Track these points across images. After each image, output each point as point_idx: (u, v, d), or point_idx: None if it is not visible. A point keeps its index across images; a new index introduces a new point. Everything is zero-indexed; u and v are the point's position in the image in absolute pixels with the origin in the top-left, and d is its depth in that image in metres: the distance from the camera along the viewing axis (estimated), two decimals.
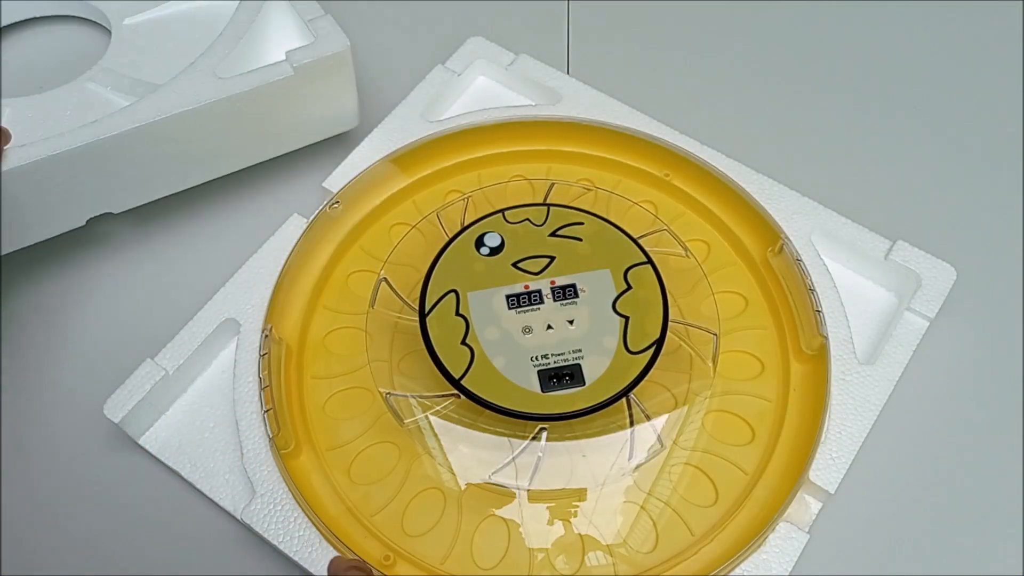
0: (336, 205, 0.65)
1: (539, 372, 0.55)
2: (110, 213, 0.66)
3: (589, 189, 0.66)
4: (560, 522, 0.56)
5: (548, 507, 0.57)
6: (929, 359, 0.62)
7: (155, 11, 0.75)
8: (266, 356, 0.59)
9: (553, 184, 0.67)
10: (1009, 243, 0.69)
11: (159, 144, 0.63)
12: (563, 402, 0.54)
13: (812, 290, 0.61)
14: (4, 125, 0.60)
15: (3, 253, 0.63)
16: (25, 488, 0.60)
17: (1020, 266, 0.68)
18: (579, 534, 0.56)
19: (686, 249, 0.63)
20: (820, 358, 0.60)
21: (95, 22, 0.79)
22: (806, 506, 0.57)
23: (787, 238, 0.63)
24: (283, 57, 0.65)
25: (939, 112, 0.76)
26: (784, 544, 0.55)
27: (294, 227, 0.66)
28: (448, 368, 0.55)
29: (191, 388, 0.63)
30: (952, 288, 0.63)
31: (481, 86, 0.76)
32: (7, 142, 0.58)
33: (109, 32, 0.75)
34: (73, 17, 0.80)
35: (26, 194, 0.61)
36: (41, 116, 0.67)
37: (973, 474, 0.60)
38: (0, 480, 0.60)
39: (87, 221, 0.65)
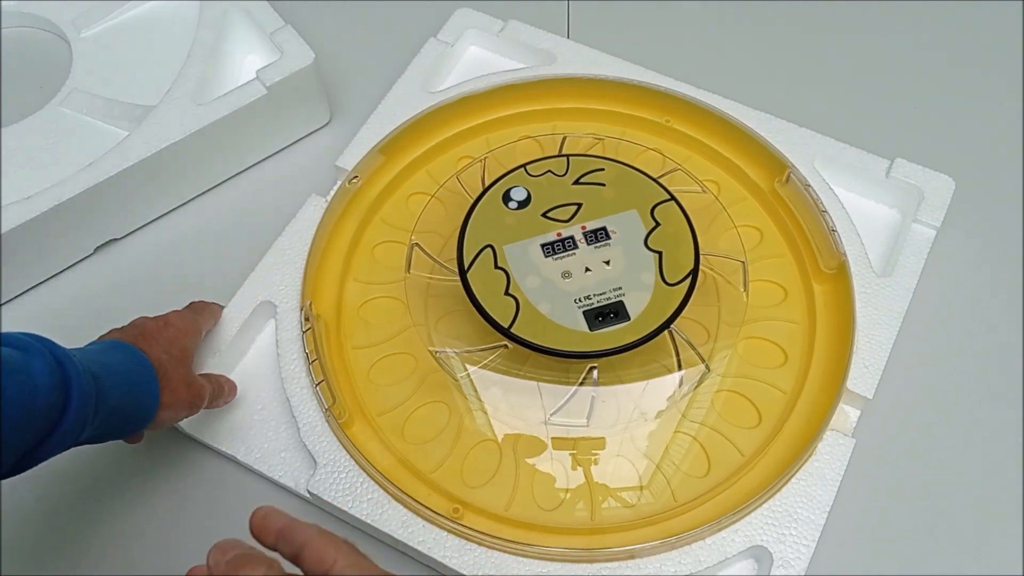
0: (355, 180, 0.66)
1: (584, 312, 0.56)
2: (115, 239, 0.69)
3: (600, 139, 0.68)
4: (617, 459, 0.58)
5: (604, 443, 0.58)
6: (941, 265, 0.66)
7: (109, 20, 0.76)
8: (310, 331, 0.60)
9: (565, 137, 0.68)
10: (1002, 150, 0.72)
11: (151, 175, 0.67)
12: (613, 338, 0.56)
13: (824, 212, 0.64)
14: None
15: (17, 293, 0.67)
16: (74, 486, 0.61)
17: (1018, 171, 0.71)
18: (636, 469, 0.58)
19: (702, 185, 0.65)
20: (840, 276, 0.62)
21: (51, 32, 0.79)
22: (847, 414, 0.59)
23: (793, 166, 0.66)
24: (251, 71, 0.69)
25: (929, 29, 0.79)
26: (833, 451, 0.57)
27: (314, 207, 0.67)
28: (496, 319, 0.56)
29: (232, 374, 0.63)
30: (952, 198, 0.66)
31: (474, 55, 0.77)
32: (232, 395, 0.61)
33: (67, 42, 0.75)
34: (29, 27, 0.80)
35: (34, 241, 0.64)
36: (24, 147, 0.68)
37: (998, 366, 0.63)
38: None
39: (94, 249, 0.69)
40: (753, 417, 0.60)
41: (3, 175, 0.66)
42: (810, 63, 0.78)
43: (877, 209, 0.68)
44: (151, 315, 0.58)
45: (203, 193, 0.72)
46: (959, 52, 0.78)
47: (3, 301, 0.67)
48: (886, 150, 0.68)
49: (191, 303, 0.62)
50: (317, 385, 0.58)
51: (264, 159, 0.73)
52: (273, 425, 0.61)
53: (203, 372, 0.60)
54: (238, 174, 0.73)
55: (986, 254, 0.67)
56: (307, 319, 0.61)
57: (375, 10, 0.82)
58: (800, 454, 0.56)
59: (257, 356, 0.64)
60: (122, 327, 0.56)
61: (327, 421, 0.58)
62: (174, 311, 0.59)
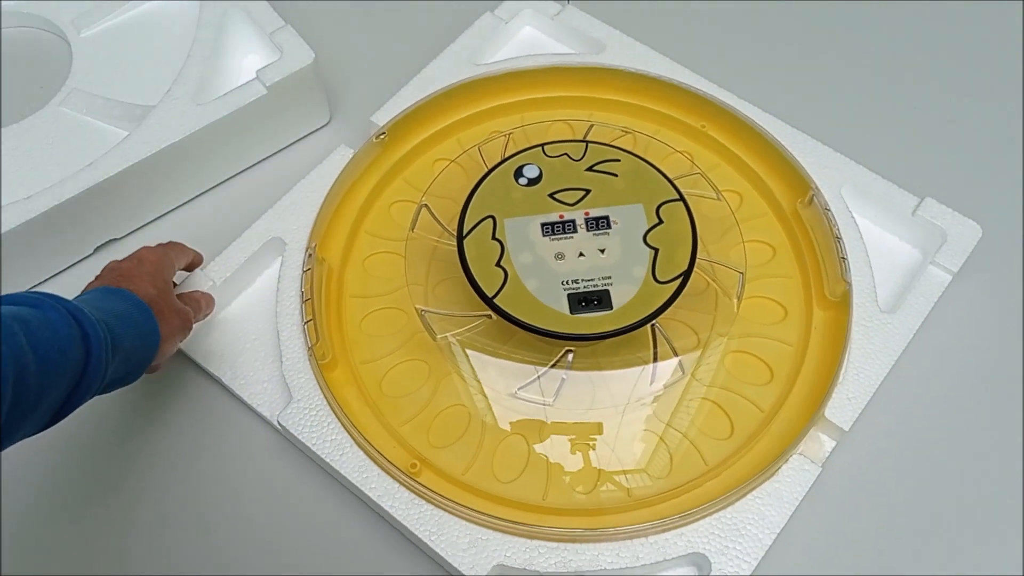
0: (382, 136, 0.68)
1: (569, 295, 0.57)
2: (114, 239, 0.70)
3: (629, 132, 0.69)
4: (578, 444, 0.59)
5: (568, 428, 0.59)
6: (950, 312, 0.64)
7: (109, 20, 0.77)
8: (309, 272, 0.62)
9: (592, 125, 0.69)
10: None
11: (151, 175, 0.68)
12: (590, 324, 0.56)
13: (839, 238, 0.63)
14: None
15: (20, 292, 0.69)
16: None
17: None
18: (596, 456, 0.58)
19: (718, 193, 0.65)
20: (843, 305, 0.61)
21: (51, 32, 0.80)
22: (820, 442, 0.59)
23: (817, 189, 0.65)
24: (251, 71, 0.70)
25: (975, 74, 0.77)
26: (796, 475, 0.57)
27: (341, 156, 0.69)
28: (482, 287, 0.57)
29: (235, 302, 0.66)
30: (977, 245, 0.64)
31: (527, 35, 0.78)
32: (210, 308, 0.63)
33: (67, 42, 0.76)
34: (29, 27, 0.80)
35: (34, 241, 0.65)
36: (25, 146, 0.70)
37: (985, 421, 0.61)
38: None
39: (94, 249, 0.70)
40: (726, 429, 0.60)
41: (3, 175, 0.67)
42: (858, 90, 0.76)
43: (898, 245, 0.67)
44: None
45: (203, 193, 0.72)
46: (1012, 104, 0.76)
47: None
48: (919, 187, 0.66)
49: (168, 242, 0.63)
50: (305, 323, 0.60)
51: (264, 159, 0.74)
52: (261, 356, 0.63)
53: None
54: (238, 174, 0.73)
55: (998, 310, 0.65)
56: (309, 261, 0.63)
57: (375, 10, 0.82)
58: (762, 470, 0.56)
59: (261, 289, 0.66)
60: (98, 276, 0.57)
61: (308, 359, 0.60)
62: (144, 247, 0.60)
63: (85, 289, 0.56)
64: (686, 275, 0.58)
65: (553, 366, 0.59)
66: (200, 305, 0.62)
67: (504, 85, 0.72)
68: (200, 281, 0.63)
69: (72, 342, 0.47)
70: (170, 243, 0.62)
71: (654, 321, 0.57)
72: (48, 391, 0.45)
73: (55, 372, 0.46)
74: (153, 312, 0.54)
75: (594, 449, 0.59)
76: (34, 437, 0.47)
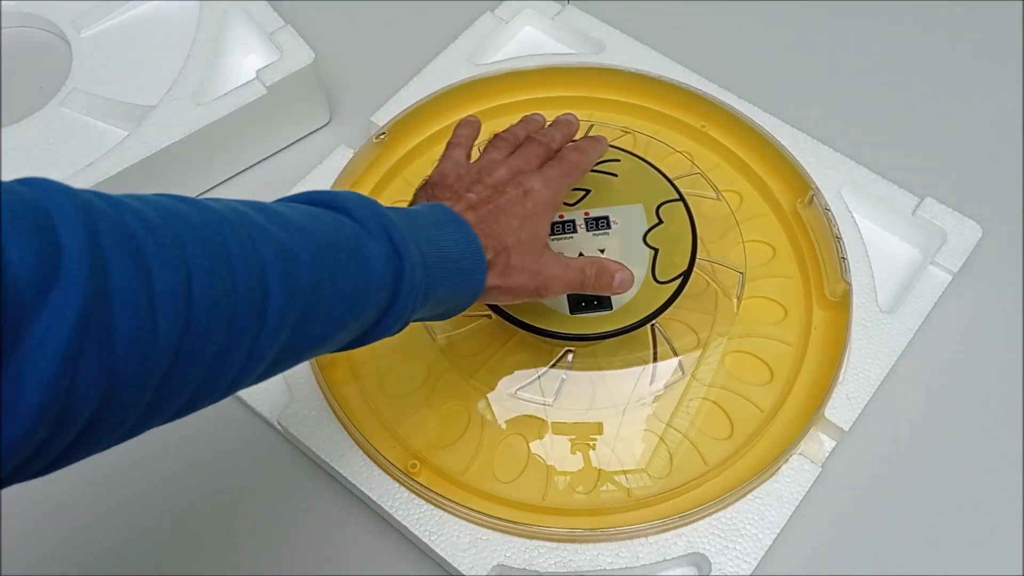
0: (382, 136, 0.68)
1: (569, 295, 0.57)
2: None
3: (629, 132, 0.69)
4: (578, 444, 0.59)
5: (568, 428, 0.59)
6: (950, 312, 0.64)
7: (109, 20, 0.77)
8: None
9: (592, 125, 0.69)
10: None
11: (151, 175, 0.67)
12: (590, 324, 0.56)
13: (839, 238, 0.63)
14: None
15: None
16: None
17: None
18: (596, 456, 0.58)
19: (718, 193, 0.65)
20: (843, 305, 0.61)
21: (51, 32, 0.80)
22: (820, 442, 0.59)
23: (817, 189, 0.65)
24: (251, 71, 0.70)
25: (975, 74, 0.77)
26: (796, 475, 0.57)
27: (341, 156, 0.69)
28: None
29: None
30: (977, 245, 0.64)
31: (527, 35, 0.78)
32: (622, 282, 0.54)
33: (67, 42, 0.76)
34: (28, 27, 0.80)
35: None
36: (25, 146, 0.70)
37: (985, 421, 0.61)
38: None
39: None
40: (726, 429, 0.60)
41: (3, 175, 0.66)
42: (858, 90, 0.76)
43: (899, 246, 0.67)
44: None
45: (203, 193, 0.72)
46: (1012, 104, 0.76)
47: None
48: (919, 187, 0.66)
49: (579, 142, 0.56)
50: None
51: (264, 159, 0.74)
52: None
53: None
54: (238, 174, 0.73)
55: (998, 310, 0.65)
56: None
57: (375, 10, 0.82)
58: (762, 470, 0.56)
59: None
60: (439, 187, 0.52)
61: (310, 361, 0.60)
62: (546, 166, 0.53)
63: (432, 193, 0.52)
64: (686, 275, 0.58)
65: (553, 366, 0.59)
66: (605, 272, 0.53)
67: (504, 85, 0.72)
68: None
69: (381, 284, 0.41)
70: (588, 147, 0.56)
71: (654, 321, 0.57)
72: (335, 334, 0.40)
73: (347, 317, 0.40)
74: (493, 266, 0.47)
75: (594, 449, 0.59)
76: None
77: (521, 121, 0.59)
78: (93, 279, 0.29)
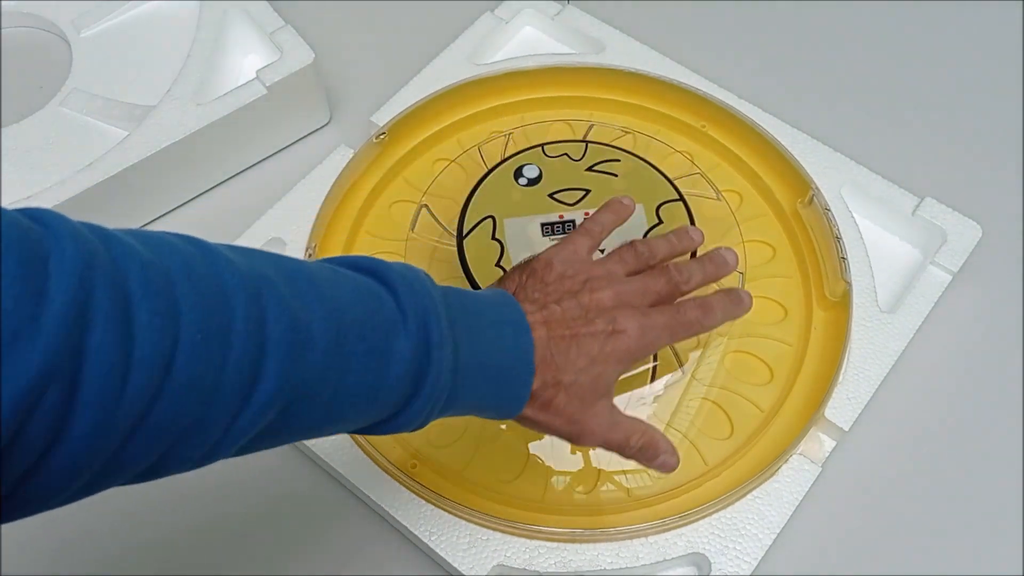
0: (382, 136, 0.68)
1: None
2: None
3: (629, 132, 0.69)
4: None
5: None
6: (950, 312, 0.64)
7: (109, 20, 0.77)
8: None
9: (592, 125, 0.69)
10: None
11: (151, 175, 0.67)
12: None
13: (839, 238, 0.63)
14: None
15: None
16: None
17: None
18: (596, 456, 0.58)
19: (718, 193, 0.65)
20: (843, 305, 0.61)
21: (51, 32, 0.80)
22: (820, 442, 0.59)
23: (817, 189, 0.65)
24: (251, 71, 0.70)
25: (975, 74, 0.77)
26: (796, 475, 0.57)
27: (341, 156, 0.69)
28: (481, 287, 0.57)
29: None
30: (977, 245, 0.64)
31: (527, 35, 0.78)
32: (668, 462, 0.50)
33: (67, 42, 0.76)
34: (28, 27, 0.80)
35: None
36: (25, 146, 0.70)
37: (986, 421, 0.61)
38: None
39: None
40: (726, 429, 0.60)
41: (3, 175, 0.67)
42: (858, 90, 0.76)
43: (899, 246, 0.67)
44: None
45: (203, 193, 0.72)
46: (1012, 104, 0.76)
47: None
48: (919, 187, 0.66)
49: (710, 299, 0.49)
50: None
51: (264, 159, 0.74)
52: None
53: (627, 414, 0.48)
54: (238, 174, 0.73)
55: (998, 310, 0.65)
56: (309, 260, 0.63)
57: (375, 10, 0.82)
58: (762, 470, 0.56)
59: None
60: (536, 277, 0.47)
61: None
62: (656, 310, 0.47)
63: (512, 283, 0.47)
64: None
65: None
66: (654, 445, 0.48)
67: (504, 85, 0.72)
68: None
69: (397, 382, 0.38)
70: (730, 302, 0.50)
71: None
72: (320, 428, 0.38)
73: (338, 414, 0.38)
74: (535, 402, 0.43)
75: (594, 449, 0.59)
76: None
77: (673, 233, 0.53)
78: (69, 338, 0.28)
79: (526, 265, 0.48)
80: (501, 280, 0.49)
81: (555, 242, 0.58)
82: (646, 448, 0.48)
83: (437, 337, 0.39)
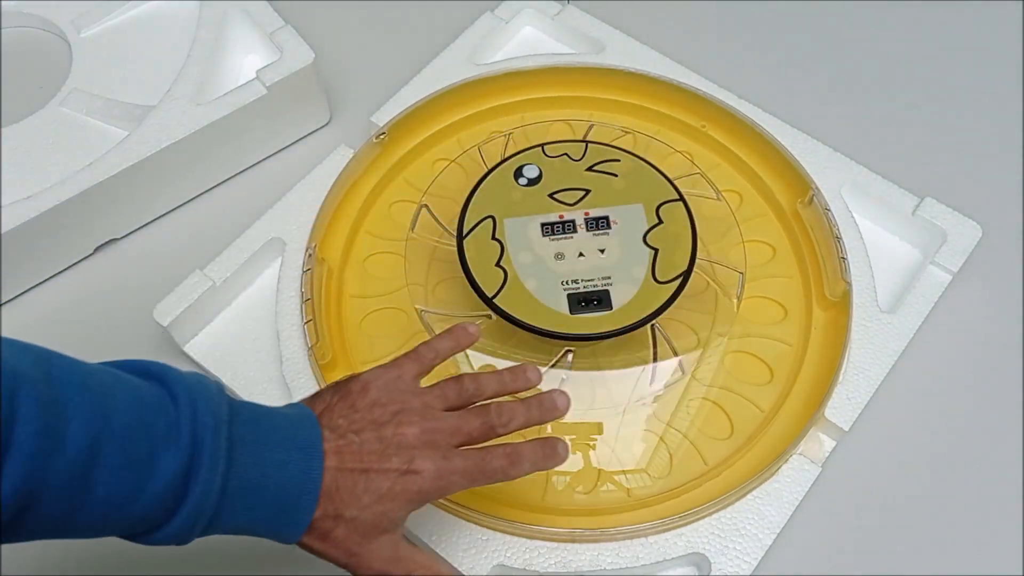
0: (382, 136, 0.68)
1: (569, 295, 0.57)
2: (115, 239, 0.70)
3: (629, 132, 0.69)
4: (578, 444, 0.59)
5: (568, 428, 0.59)
6: (950, 312, 0.64)
7: (109, 20, 0.77)
8: (309, 272, 0.62)
9: (592, 125, 0.69)
10: None
11: (151, 175, 0.67)
12: (590, 324, 0.56)
13: (839, 238, 0.63)
14: None
15: (17, 293, 0.67)
16: None
17: None
18: (596, 456, 0.58)
19: (718, 193, 0.65)
20: (843, 305, 0.61)
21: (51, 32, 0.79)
22: (820, 443, 0.59)
23: (817, 189, 0.65)
24: (251, 71, 0.70)
25: (975, 74, 0.77)
26: (796, 475, 0.57)
27: (341, 156, 0.69)
28: (482, 287, 0.57)
29: (235, 302, 0.66)
30: (977, 245, 0.64)
31: (527, 35, 0.78)
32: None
33: (67, 42, 0.76)
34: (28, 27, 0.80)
35: (34, 241, 0.65)
36: (24, 146, 0.70)
37: (986, 421, 0.62)
38: None
39: (94, 249, 0.70)
40: (726, 429, 0.60)
41: (3, 175, 0.67)
42: (858, 90, 0.76)
43: (899, 246, 0.67)
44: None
45: (203, 193, 0.72)
46: (1012, 104, 0.76)
47: (3, 301, 0.68)
48: (919, 187, 0.66)
49: (521, 448, 0.47)
50: (305, 324, 0.60)
51: (264, 159, 0.74)
52: (262, 357, 0.63)
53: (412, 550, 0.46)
54: (238, 174, 0.73)
55: (998, 310, 0.65)
56: (309, 261, 0.63)
57: (375, 10, 0.82)
58: (762, 470, 0.56)
59: (261, 289, 0.66)
60: (347, 401, 0.45)
61: (309, 359, 0.60)
62: (460, 454, 0.45)
63: (316, 400, 0.45)
64: (686, 275, 0.58)
65: (553, 366, 0.59)
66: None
67: (504, 85, 0.72)
68: (196, 275, 0.63)
69: (154, 500, 0.37)
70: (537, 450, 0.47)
71: (654, 321, 0.57)
72: (68, 531, 0.38)
73: (86, 523, 0.37)
74: (315, 533, 0.42)
75: (594, 449, 0.59)
76: None
77: (507, 371, 0.50)
78: None
79: (343, 384, 0.47)
80: (314, 396, 0.47)
81: (555, 241, 0.59)
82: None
83: (209, 455, 0.39)
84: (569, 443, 0.49)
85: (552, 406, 0.48)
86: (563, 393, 0.49)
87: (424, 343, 0.50)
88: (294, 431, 0.43)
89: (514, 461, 0.46)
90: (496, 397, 0.49)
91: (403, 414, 0.45)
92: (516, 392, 0.50)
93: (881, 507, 0.59)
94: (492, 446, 0.47)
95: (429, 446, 0.44)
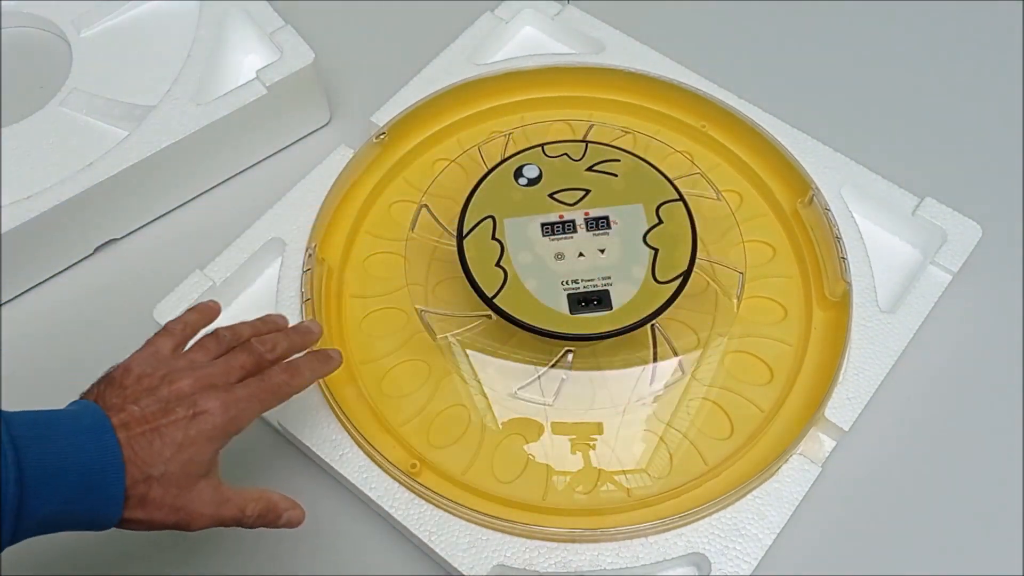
0: (382, 136, 0.68)
1: (568, 295, 0.57)
2: (114, 239, 0.70)
3: (629, 132, 0.69)
4: (578, 444, 0.59)
5: (568, 428, 0.59)
6: (950, 312, 0.64)
7: (109, 20, 0.77)
8: (309, 272, 0.62)
9: (592, 125, 0.69)
10: None
11: (151, 175, 0.67)
12: (590, 324, 0.56)
13: (839, 238, 0.63)
14: None
15: (17, 293, 0.68)
16: None
17: None
18: (596, 456, 0.58)
19: (718, 193, 0.65)
20: (843, 305, 0.61)
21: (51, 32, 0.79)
22: (820, 443, 0.59)
23: (817, 189, 0.65)
24: (251, 71, 0.70)
25: (975, 74, 0.77)
26: (796, 475, 0.57)
27: (341, 156, 0.69)
28: (482, 287, 0.57)
29: (235, 302, 0.66)
30: (977, 245, 0.64)
31: (527, 34, 0.78)
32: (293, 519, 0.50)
33: (67, 42, 0.76)
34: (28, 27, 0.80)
35: (34, 241, 0.65)
36: (25, 146, 0.69)
37: (985, 421, 0.62)
38: None
39: (94, 249, 0.70)
40: (726, 429, 0.60)
41: (3, 175, 0.67)
42: (858, 90, 0.76)
43: (899, 246, 0.67)
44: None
45: (203, 193, 0.72)
46: (1012, 104, 0.76)
47: (3, 301, 0.68)
48: (919, 187, 0.66)
49: (297, 361, 0.51)
50: None
51: (264, 159, 0.74)
52: None
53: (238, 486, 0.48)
54: (238, 174, 0.73)
55: (998, 310, 0.65)
56: (308, 261, 0.63)
57: (375, 10, 0.82)
58: (762, 470, 0.56)
59: (261, 289, 0.66)
60: (114, 384, 0.46)
61: None
62: (240, 384, 0.47)
63: (86, 393, 0.46)
64: (686, 275, 0.58)
65: (553, 366, 0.59)
66: (275, 511, 0.48)
67: (504, 85, 0.72)
68: (196, 275, 0.63)
69: None
70: (302, 367, 0.50)
71: (654, 321, 0.57)
72: None
73: None
74: (131, 498, 0.42)
75: (594, 449, 0.59)
76: None
77: (258, 319, 0.54)
78: None
79: (104, 376, 0.47)
80: (80, 396, 0.47)
81: (555, 241, 0.59)
82: (265, 513, 0.48)
83: None
84: (342, 353, 0.54)
85: (307, 330, 0.53)
86: (314, 320, 0.57)
87: (172, 319, 0.52)
88: (77, 419, 0.43)
89: (293, 373, 0.49)
90: (253, 338, 0.51)
91: (171, 374, 0.46)
92: (268, 332, 0.53)
93: (881, 507, 0.59)
94: (270, 369, 0.49)
95: (208, 388, 0.46)
